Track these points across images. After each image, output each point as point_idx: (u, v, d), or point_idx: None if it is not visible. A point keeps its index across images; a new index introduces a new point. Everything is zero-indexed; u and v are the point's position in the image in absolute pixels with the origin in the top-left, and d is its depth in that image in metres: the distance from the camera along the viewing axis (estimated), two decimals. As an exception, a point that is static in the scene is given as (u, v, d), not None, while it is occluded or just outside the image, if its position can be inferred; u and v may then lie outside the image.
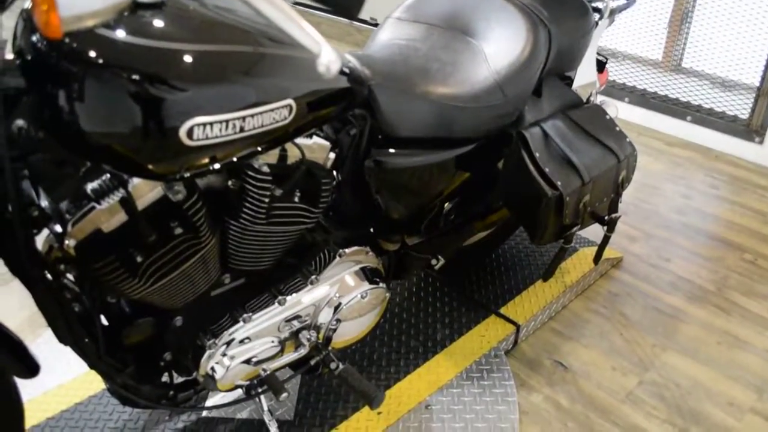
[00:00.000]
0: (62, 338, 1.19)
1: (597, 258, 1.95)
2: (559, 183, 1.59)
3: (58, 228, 1.11)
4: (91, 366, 1.24)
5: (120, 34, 0.96)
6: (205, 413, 1.68)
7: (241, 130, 1.07)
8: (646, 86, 3.60)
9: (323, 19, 4.96)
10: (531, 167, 1.60)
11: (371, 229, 1.64)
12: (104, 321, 1.27)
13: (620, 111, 3.58)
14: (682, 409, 1.83)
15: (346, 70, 1.30)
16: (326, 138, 1.39)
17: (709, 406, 1.85)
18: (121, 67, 0.95)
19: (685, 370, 1.97)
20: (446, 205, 1.88)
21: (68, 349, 1.21)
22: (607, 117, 1.83)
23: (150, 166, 1.03)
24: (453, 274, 2.22)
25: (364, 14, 4.74)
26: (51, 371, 1.78)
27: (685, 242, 2.60)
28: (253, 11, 0.96)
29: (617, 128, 1.81)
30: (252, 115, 1.07)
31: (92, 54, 0.93)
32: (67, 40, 0.93)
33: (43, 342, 1.88)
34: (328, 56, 0.93)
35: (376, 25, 4.13)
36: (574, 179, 1.63)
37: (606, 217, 1.83)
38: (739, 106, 3.29)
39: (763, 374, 1.97)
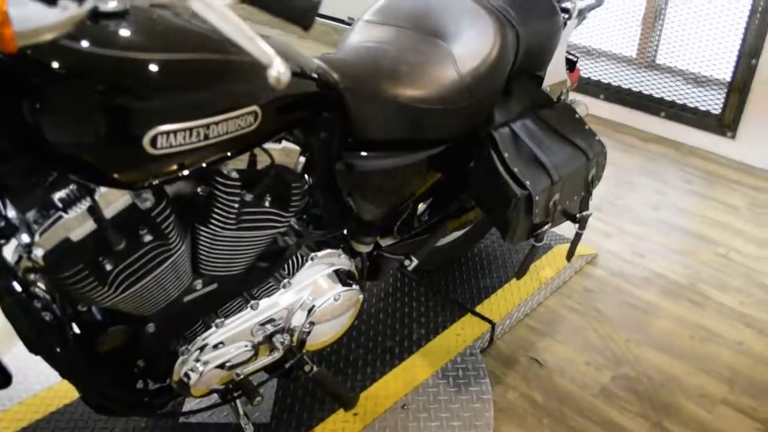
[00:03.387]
0: (33, 348, 1.19)
1: (570, 255, 1.97)
2: (527, 183, 1.61)
3: (26, 238, 1.11)
4: (63, 375, 1.24)
5: (80, 44, 0.95)
6: (182, 419, 1.68)
7: (206, 137, 1.07)
8: (621, 83, 3.63)
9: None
10: (500, 168, 1.61)
11: (344, 232, 1.65)
12: (76, 329, 1.27)
13: (595, 108, 3.62)
14: (654, 403, 1.86)
15: (315, 75, 1.31)
16: (296, 142, 1.39)
17: (681, 399, 1.88)
18: (82, 78, 0.95)
19: (658, 364, 2.00)
20: (420, 206, 1.90)
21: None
22: (577, 116, 1.85)
23: (115, 176, 1.03)
24: (428, 273, 2.23)
25: (341, 14, 4.74)
26: (25, 381, 1.77)
27: (658, 237, 2.63)
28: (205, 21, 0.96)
29: (586, 127, 1.83)
30: (216, 123, 1.07)
31: (53, 65, 0.93)
32: (28, 52, 0.93)
33: (17, 351, 1.87)
34: (278, 68, 0.93)
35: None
36: (543, 179, 1.65)
37: (577, 215, 1.85)
38: (712, 102, 3.33)
39: (735, 366, 2.00)
